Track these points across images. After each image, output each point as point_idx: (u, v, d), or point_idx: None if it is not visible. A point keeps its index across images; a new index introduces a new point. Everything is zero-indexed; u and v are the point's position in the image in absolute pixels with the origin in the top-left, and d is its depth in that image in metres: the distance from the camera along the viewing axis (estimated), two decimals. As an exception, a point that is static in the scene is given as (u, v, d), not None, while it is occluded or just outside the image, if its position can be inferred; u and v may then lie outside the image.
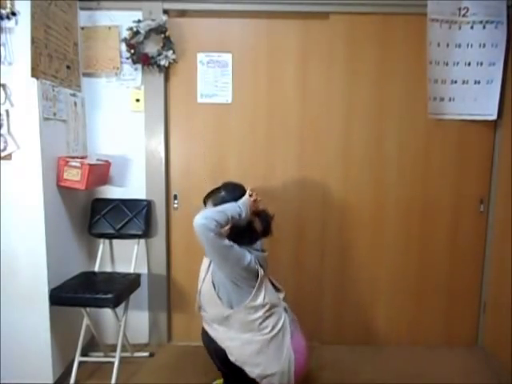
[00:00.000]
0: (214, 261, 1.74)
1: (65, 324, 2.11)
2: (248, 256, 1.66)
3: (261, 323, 1.69)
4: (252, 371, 1.71)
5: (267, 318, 1.70)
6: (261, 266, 1.71)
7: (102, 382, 2.12)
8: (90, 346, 2.37)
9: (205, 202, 1.81)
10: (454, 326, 2.53)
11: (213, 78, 2.36)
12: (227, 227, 1.66)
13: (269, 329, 1.69)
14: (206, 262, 1.85)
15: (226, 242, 1.62)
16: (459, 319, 2.53)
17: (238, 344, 1.71)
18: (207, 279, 1.78)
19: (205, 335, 1.87)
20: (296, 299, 2.50)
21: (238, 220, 1.67)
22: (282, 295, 1.84)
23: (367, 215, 2.45)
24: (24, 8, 1.78)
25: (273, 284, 1.84)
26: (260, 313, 1.69)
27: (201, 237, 1.59)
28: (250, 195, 1.77)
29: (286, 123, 2.41)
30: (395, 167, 2.42)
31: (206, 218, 1.58)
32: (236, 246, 1.65)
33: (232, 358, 1.74)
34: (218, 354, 1.80)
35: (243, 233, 1.74)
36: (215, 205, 1.73)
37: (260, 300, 1.69)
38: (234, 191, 1.78)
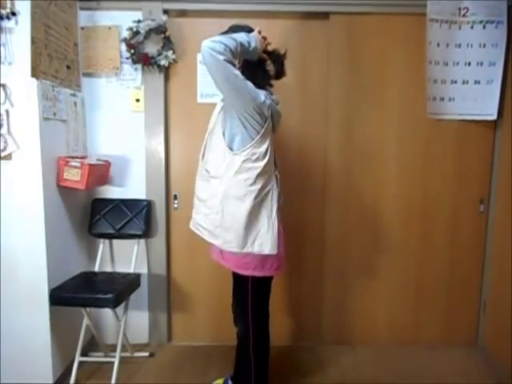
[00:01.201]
0: (226, 92, 1.58)
1: (65, 324, 2.11)
2: (262, 96, 1.57)
3: (257, 175, 1.61)
4: (239, 238, 1.63)
5: (262, 173, 1.62)
6: (272, 119, 1.65)
7: (101, 382, 2.12)
8: (90, 345, 2.37)
9: None
10: (454, 325, 2.53)
11: (213, 77, 2.36)
12: (238, 57, 1.57)
13: (261, 184, 1.62)
14: (219, 104, 1.76)
15: (238, 72, 1.52)
16: (459, 319, 2.53)
17: (230, 207, 1.63)
18: (218, 118, 1.70)
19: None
20: (296, 299, 2.51)
21: (247, 49, 1.58)
22: (276, 170, 1.78)
23: (367, 215, 2.45)
24: (24, 8, 1.78)
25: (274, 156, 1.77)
26: (259, 164, 1.61)
27: (209, 62, 1.47)
28: (259, 32, 1.67)
29: (285, 123, 2.40)
30: (395, 167, 2.42)
31: (213, 40, 1.47)
32: (249, 83, 1.55)
33: (221, 239, 1.67)
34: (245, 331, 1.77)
35: (256, 71, 1.66)
36: None
37: (262, 149, 1.61)
38: (241, 28, 1.68)
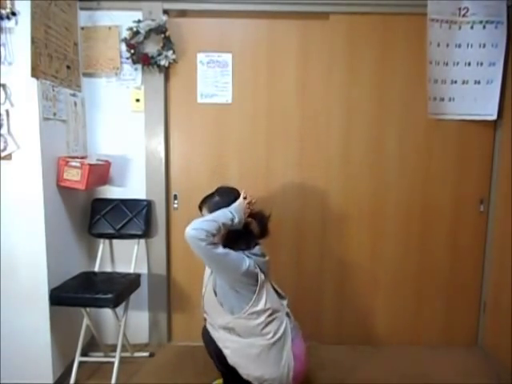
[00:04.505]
0: (212, 269, 1.75)
1: (65, 324, 2.11)
2: (247, 261, 1.65)
3: (263, 328, 1.68)
4: (249, 374, 1.70)
5: (269, 323, 1.69)
6: (261, 270, 1.70)
7: (101, 382, 2.12)
8: (90, 345, 2.37)
9: (200, 208, 1.82)
10: (454, 325, 2.53)
11: (213, 78, 2.36)
12: (222, 233, 1.65)
13: (271, 334, 1.69)
14: (208, 269, 1.86)
15: (220, 249, 1.61)
16: (459, 319, 2.53)
17: (238, 347, 1.71)
18: (209, 286, 1.79)
19: (205, 334, 1.87)
20: (296, 299, 2.50)
21: (231, 225, 1.67)
22: (285, 302, 1.83)
23: (367, 215, 2.45)
24: (24, 8, 1.78)
25: (276, 291, 1.83)
26: (262, 318, 1.68)
27: (193, 247, 1.59)
28: (245, 198, 1.77)
29: (286, 123, 2.41)
30: (395, 167, 2.42)
31: (195, 228, 1.58)
32: (232, 252, 1.64)
33: (230, 361, 1.74)
34: (217, 354, 1.80)
35: (240, 237, 1.74)
36: (210, 211, 1.73)
37: (261, 305, 1.68)
38: (228, 195, 1.78)
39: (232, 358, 1.73)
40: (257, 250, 1.76)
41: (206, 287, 1.83)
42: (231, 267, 1.64)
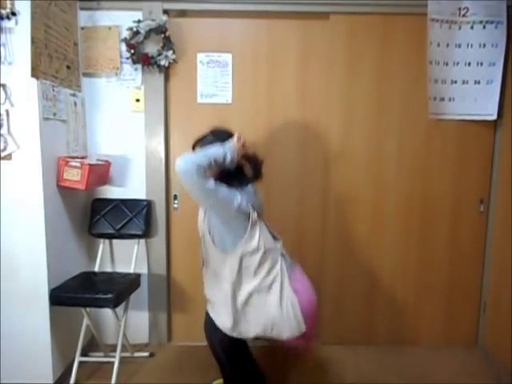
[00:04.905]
0: (204, 204, 1.71)
1: (65, 324, 2.11)
2: (238, 197, 1.62)
3: (256, 268, 1.66)
4: (258, 324, 1.66)
5: (262, 263, 1.67)
6: (254, 209, 1.67)
7: (101, 382, 2.12)
8: (90, 346, 2.37)
9: (193, 148, 1.79)
10: (454, 325, 2.54)
11: (213, 78, 2.36)
12: (214, 170, 1.62)
13: (264, 273, 1.66)
14: (202, 211, 1.82)
15: (211, 183, 1.57)
16: (459, 319, 2.53)
17: (237, 307, 1.67)
18: (204, 226, 1.75)
19: (208, 323, 1.83)
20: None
21: (222, 163, 1.62)
22: (279, 244, 1.80)
23: (367, 215, 2.45)
24: (24, 8, 1.78)
25: (270, 232, 1.79)
26: (255, 257, 1.65)
27: (185, 182, 1.56)
28: (239, 138, 1.73)
29: (286, 123, 2.41)
30: (395, 167, 2.42)
31: (185, 162, 1.53)
32: (224, 188, 1.61)
33: (234, 334, 1.69)
34: (222, 345, 1.76)
35: (232, 176, 1.71)
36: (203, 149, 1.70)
37: (254, 243, 1.65)
38: (221, 135, 1.74)
39: (231, 323, 1.69)
40: (250, 187, 1.73)
41: (201, 231, 1.79)
42: (223, 202, 1.60)
